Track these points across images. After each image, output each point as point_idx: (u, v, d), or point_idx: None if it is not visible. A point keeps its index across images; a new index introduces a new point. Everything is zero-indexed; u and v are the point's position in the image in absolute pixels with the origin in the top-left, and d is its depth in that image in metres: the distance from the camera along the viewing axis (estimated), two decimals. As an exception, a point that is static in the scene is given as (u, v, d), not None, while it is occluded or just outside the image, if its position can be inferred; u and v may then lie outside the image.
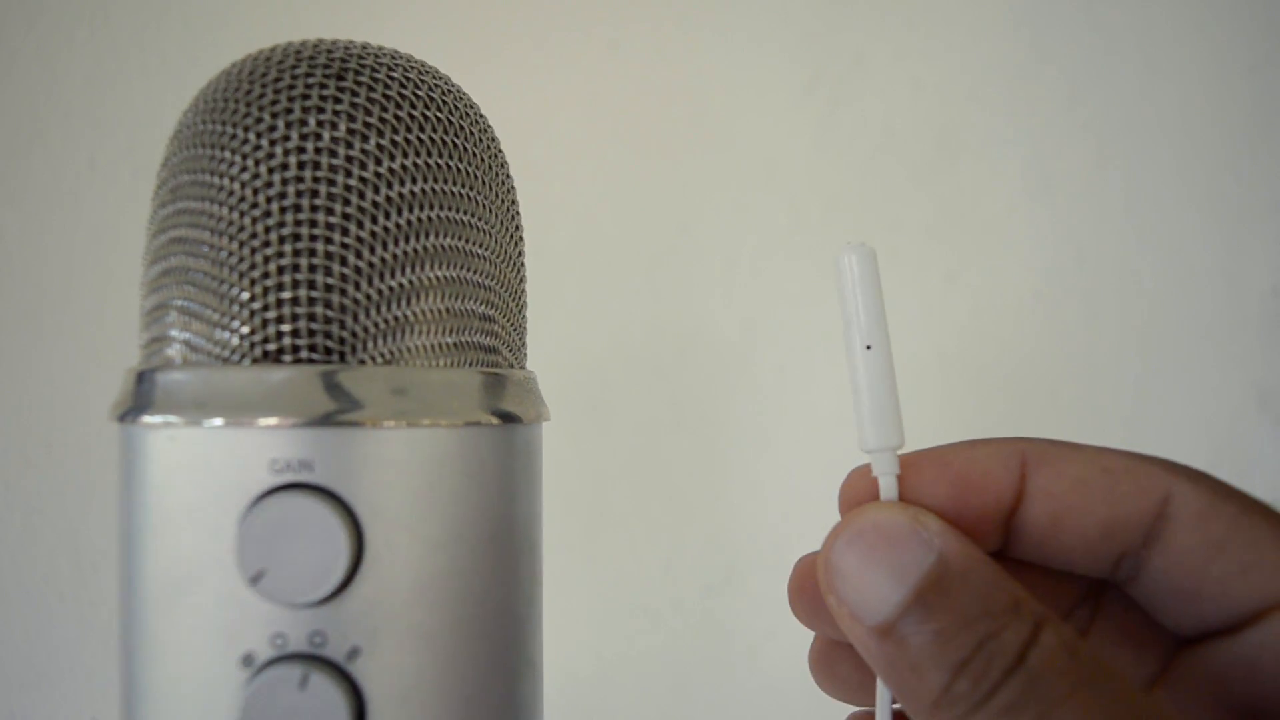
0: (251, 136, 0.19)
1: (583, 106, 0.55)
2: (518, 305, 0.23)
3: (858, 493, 0.21)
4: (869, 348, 0.20)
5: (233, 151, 0.19)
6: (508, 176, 0.23)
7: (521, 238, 0.24)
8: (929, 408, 0.54)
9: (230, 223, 0.19)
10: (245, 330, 0.19)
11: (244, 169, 0.19)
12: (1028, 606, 0.17)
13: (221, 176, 0.19)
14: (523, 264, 0.24)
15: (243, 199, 0.19)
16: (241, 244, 0.19)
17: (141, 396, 0.19)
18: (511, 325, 0.23)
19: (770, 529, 0.55)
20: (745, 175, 0.55)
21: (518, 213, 0.23)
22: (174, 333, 0.20)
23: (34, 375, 0.56)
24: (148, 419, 0.19)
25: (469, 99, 0.22)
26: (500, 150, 0.23)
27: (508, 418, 0.20)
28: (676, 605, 0.55)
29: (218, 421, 0.18)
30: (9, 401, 0.56)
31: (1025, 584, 0.18)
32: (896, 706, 0.19)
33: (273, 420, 0.18)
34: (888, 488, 0.20)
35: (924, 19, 0.55)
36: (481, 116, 0.23)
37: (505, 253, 0.22)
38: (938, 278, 0.55)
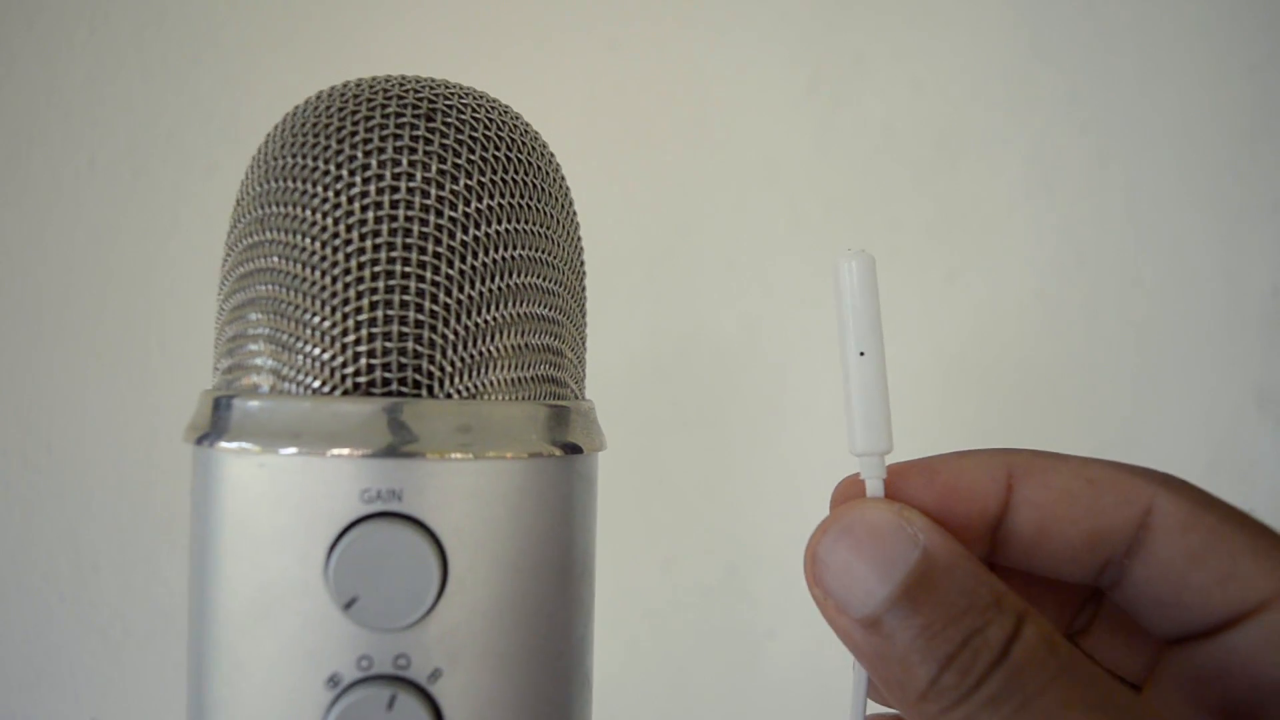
0: (345, 174, 0.20)
1: (583, 106, 0.55)
2: (581, 338, 0.24)
3: (848, 497, 0.21)
4: (862, 354, 0.20)
5: (324, 187, 0.20)
6: (575, 213, 0.24)
7: (585, 272, 0.24)
8: (929, 408, 0.54)
9: (323, 257, 0.20)
10: (337, 362, 0.19)
11: (336, 205, 0.20)
12: (1009, 601, 0.18)
13: (313, 211, 0.20)
14: (585, 297, 0.24)
15: (335, 234, 0.20)
16: (334, 278, 0.19)
17: (222, 422, 0.20)
18: (576, 357, 0.23)
19: (770, 529, 0.55)
20: (745, 175, 0.55)
21: (582, 247, 0.24)
22: (259, 361, 0.20)
23: (34, 375, 0.56)
24: (231, 445, 0.19)
25: (541, 138, 0.23)
26: (568, 187, 0.24)
27: (572, 449, 0.21)
28: (676, 605, 0.55)
29: (308, 450, 0.19)
30: (9, 401, 0.56)
31: (1020, 585, 0.19)
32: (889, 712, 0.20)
33: (363, 451, 0.18)
34: (874, 490, 0.21)
35: (924, 19, 0.55)
36: (553, 155, 0.23)
37: (573, 288, 0.23)
38: (938, 278, 0.55)
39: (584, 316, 0.24)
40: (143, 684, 0.56)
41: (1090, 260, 0.55)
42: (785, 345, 0.55)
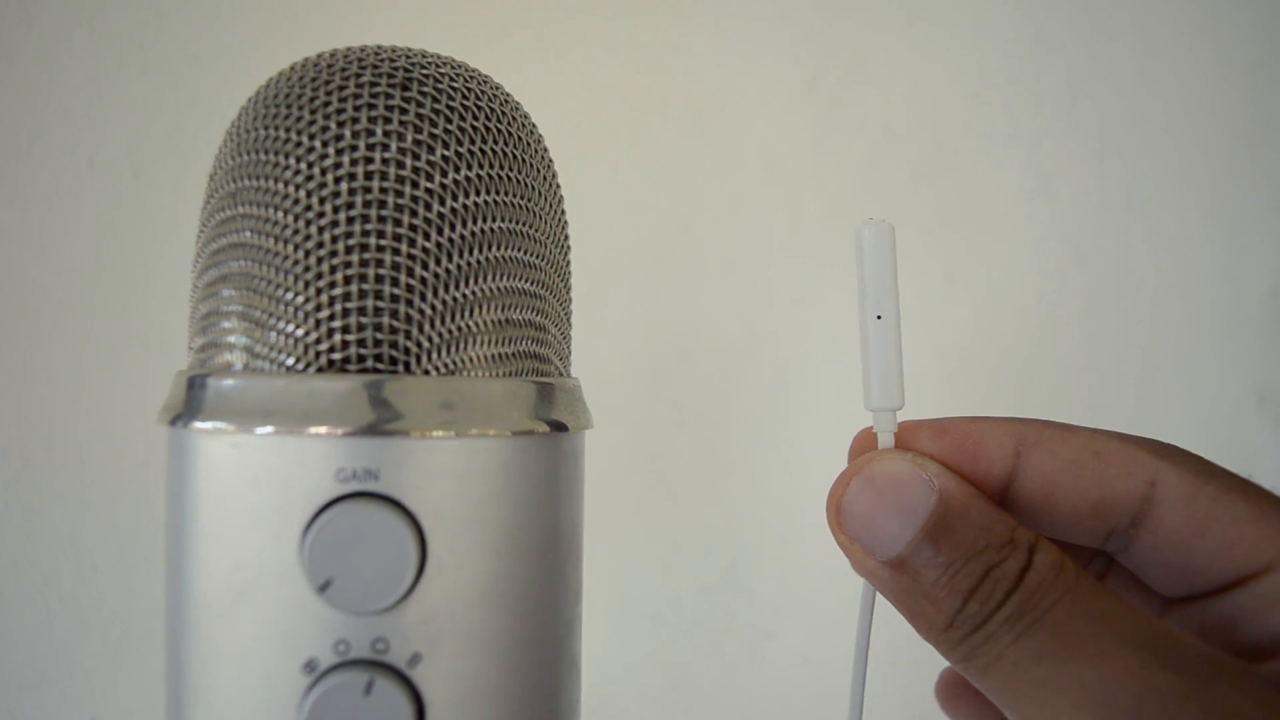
0: (317, 145, 0.19)
1: (582, 107, 0.55)
2: (566, 314, 0.23)
3: (864, 448, 0.23)
4: (879, 317, 0.22)
5: (297, 159, 0.19)
6: (558, 185, 0.23)
7: (569, 246, 0.24)
8: (929, 407, 0.53)
9: (296, 230, 0.19)
10: (311, 339, 0.19)
11: (309, 177, 0.19)
12: (1021, 534, 0.20)
13: (286, 184, 0.19)
14: (570, 272, 0.24)
15: (308, 207, 0.19)
16: (307, 253, 0.19)
17: (196, 401, 0.19)
18: (561, 333, 0.23)
19: (770, 529, 0.55)
20: (745, 175, 0.55)
21: (566, 221, 0.24)
22: (233, 339, 0.20)
23: (33, 375, 0.56)
24: (205, 424, 0.19)
25: (523, 109, 0.22)
26: (551, 159, 0.23)
27: (557, 426, 0.20)
28: (676, 605, 0.55)
29: (283, 429, 0.18)
30: (9, 401, 0.56)
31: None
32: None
33: (339, 430, 0.18)
34: (885, 443, 0.22)
35: (924, 18, 0.55)
36: (535, 126, 0.23)
37: (556, 262, 0.22)
38: (938, 278, 0.54)
39: (568, 291, 0.24)
40: (142, 684, 0.56)
41: (1090, 260, 0.55)
42: (785, 345, 0.55)
